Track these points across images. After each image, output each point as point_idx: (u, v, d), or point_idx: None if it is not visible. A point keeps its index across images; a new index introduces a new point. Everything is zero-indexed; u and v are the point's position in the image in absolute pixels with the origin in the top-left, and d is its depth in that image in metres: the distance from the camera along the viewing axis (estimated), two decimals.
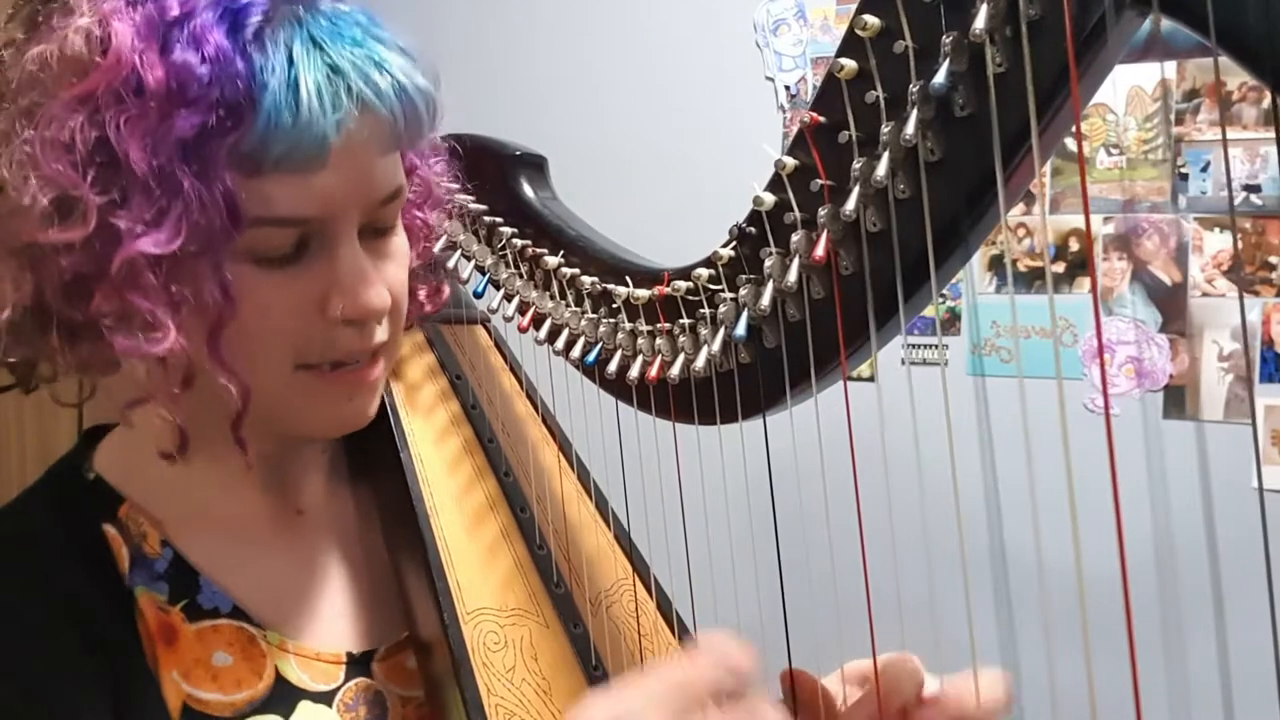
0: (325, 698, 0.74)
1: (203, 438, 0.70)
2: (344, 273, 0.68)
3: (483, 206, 0.87)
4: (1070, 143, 1.57)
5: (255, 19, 0.62)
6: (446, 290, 0.87)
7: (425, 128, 0.69)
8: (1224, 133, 1.77)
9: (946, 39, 0.56)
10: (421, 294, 0.85)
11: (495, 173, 0.87)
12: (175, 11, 0.62)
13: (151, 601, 0.71)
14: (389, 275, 0.71)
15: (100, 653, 0.68)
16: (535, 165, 0.88)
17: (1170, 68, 1.73)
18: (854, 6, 0.60)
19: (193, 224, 0.61)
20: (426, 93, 0.67)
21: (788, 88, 1.99)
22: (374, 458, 0.83)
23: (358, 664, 0.76)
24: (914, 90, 0.58)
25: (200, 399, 0.67)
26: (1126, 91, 1.77)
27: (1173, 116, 1.73)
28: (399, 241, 0.73)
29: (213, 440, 0.71)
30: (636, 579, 0.84)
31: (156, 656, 0.70)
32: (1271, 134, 1.64)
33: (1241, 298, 1.69)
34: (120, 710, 0.67)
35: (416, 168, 0.79)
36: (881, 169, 0.60)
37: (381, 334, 0.71)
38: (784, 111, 2.00)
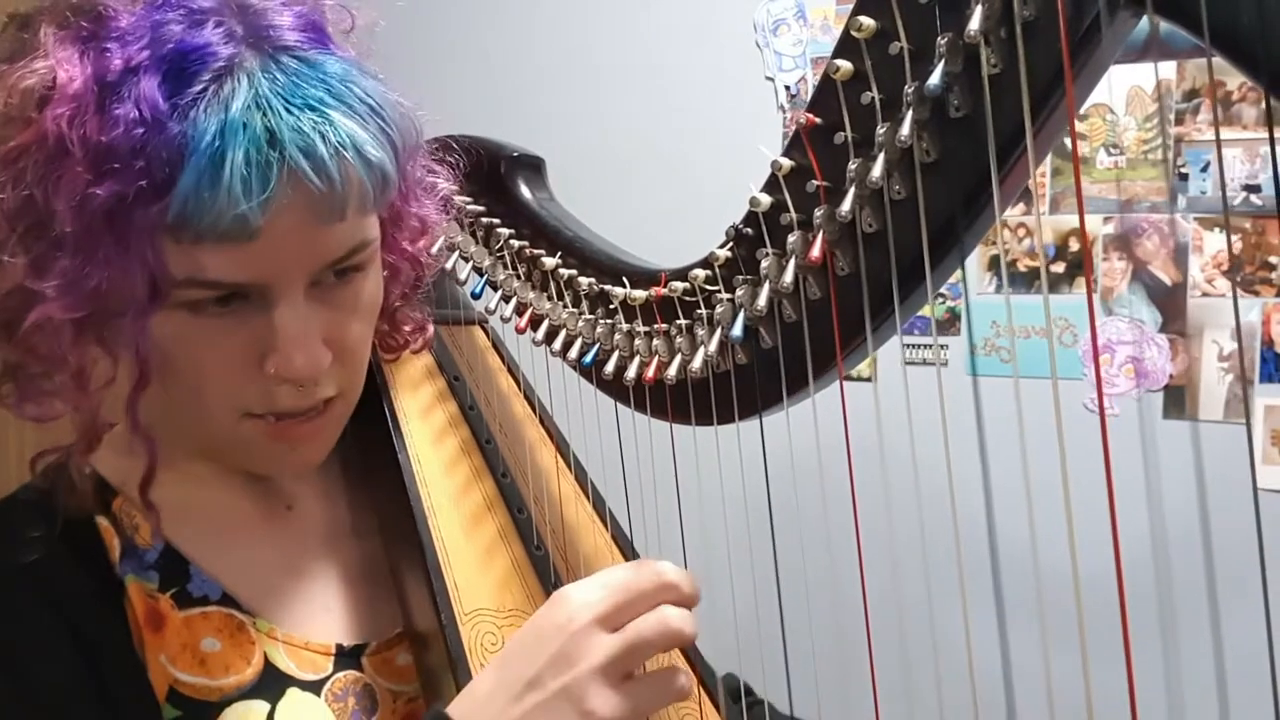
0: (313, 687, 0.74)
1: (188, 437, 0.71)
2: (278, 335, 0.66)
3: (480, 207, 0.87)
4: (1069, 143, 1.57)
5: (204, 76, 0.60)
6: (431, 329, 0.87)
7: (371, 200, 0.66)
8: (1217, 134, 1.77)
9: (941, 40, 0.56)
10: (408, 328, 0.85)
11: (493, 173, 0.87)
12: (119, 66, 0.60)
13: (140, 590, 0.72)
14: (339, 326, 0.70)
15: (88, 643, 0.69)
16: (533, 166, 0.88)
17: (1170, 68, 1.73)
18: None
19: (109, 291, 0.61)
20: (377, 165, 0.64)
21: (788, 88, 1.99)
22: (372, 458, 0.83)
23: (348, 656, 0.76)
24: (909, 91, 0.58)
25: (173, 406, 0.69)
26: (1126, 91, 1.77)
27: (1172, 116, 1.73)
28: (361, 288, 0.71)
29: (198, 439, 0.72)
30: None
31: (144, 643, 0.71)
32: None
33: (1235, 300, 1.69)
34: (106, 698, 0.68)
35: (402, 212, 0.77)
36: (877, 170, 0.60)
37: (328, 389, 0.71)
38: (784, 111, 1.99)
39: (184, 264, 0.62)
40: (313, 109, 0.62)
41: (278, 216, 0.61)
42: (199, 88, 0.60)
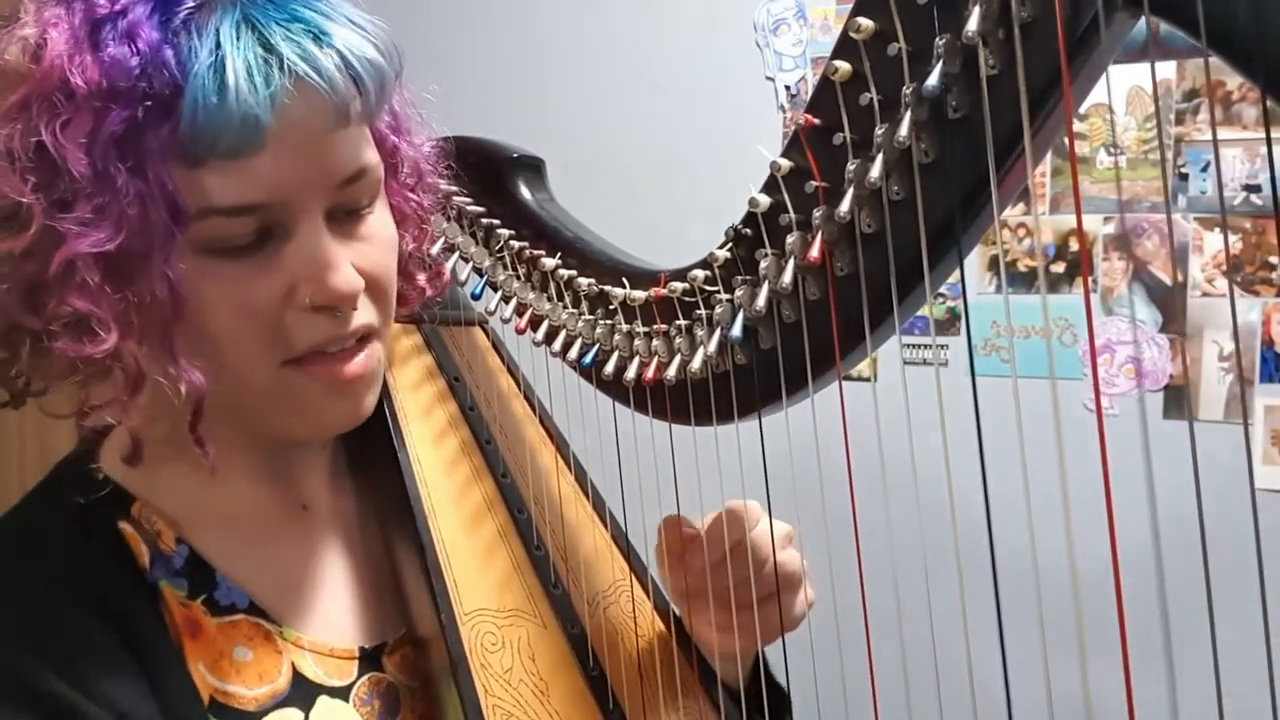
0: (342, 693, 0.74)
1: (227, 413, 0.70)
2: (305, 258, 0.66)
3: (480, 208, 0.87)
4: (1069, 143, 1.57)
5: (188, 5, 0.62)
6: (447, 273, 0.86)
7: (374, 102, 0.67)
8: (1214, 133, 1.77)
9: (940, 41, 0.56)
10: (421, 278, 0.84)
11: (493, 174, 0.87)
12: (106, 9, 0.62)
13: (175, 596, 0.71)
14: (365, 257, 0.70)
15: (134, 643, 0.68)
16: (533, 167, 0.88)
17: (1170, 68, 1.73)
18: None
19: (132, 220, 0.61)
20: (374, 65, 0.65)
21: (788, 88, 1.99)
22: (373, 458, 0.83)
23: (369, 658, 0.76)
24: (908, 92, 0.58)
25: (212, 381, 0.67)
26: (1127, 91, 1.77)
27: (1172, 116, 1.73)
28: (377, 221, 0.71)
29: (215, 437, 0.70)
30: (634, 579, 0.84)
31: (184, 649, 0.70)
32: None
33: (1233, 297, 1.69)
34: (156, 700, 0.67)
35: (398, 147, 0.77)
36: (876, 170, 0.60)
37: (364, 316, 0.70)
38: (784, 111, 2.00)
39: (197, 193, 0.63)
40: (300, 20, 0.63)
41: (284, 124, 0.62)
42: (184, 16, 0.62)
